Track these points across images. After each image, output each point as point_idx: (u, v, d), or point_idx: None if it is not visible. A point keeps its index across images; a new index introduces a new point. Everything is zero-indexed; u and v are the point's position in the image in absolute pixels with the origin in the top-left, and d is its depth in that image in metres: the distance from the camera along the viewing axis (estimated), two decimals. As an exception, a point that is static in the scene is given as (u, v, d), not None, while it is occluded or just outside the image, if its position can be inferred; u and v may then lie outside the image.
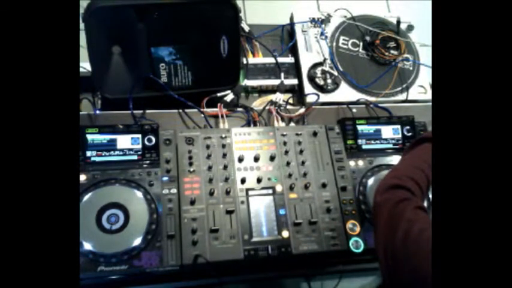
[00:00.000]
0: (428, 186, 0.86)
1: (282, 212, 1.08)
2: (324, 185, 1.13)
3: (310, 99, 1.37)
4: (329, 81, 1.41)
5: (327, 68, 1.41)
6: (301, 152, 1.17)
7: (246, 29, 1.49)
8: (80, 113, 1.20)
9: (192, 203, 1.05)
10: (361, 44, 1.50)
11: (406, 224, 0.75)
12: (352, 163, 1.19)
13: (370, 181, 1.15)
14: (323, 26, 1.49)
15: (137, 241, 0.98)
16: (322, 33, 1.48)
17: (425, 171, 0.86)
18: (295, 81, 1.43)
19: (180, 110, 1.26)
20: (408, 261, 0.72)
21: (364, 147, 1.22)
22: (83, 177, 1.04)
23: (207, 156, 1.12)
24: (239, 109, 1.31)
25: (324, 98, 1.38)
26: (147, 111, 1.23)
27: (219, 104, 1.27)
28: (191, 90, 1.27)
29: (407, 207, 0.78)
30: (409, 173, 0.85)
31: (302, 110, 1.31)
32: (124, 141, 1.11)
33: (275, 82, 1.41)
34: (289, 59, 1.47)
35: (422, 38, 1.55)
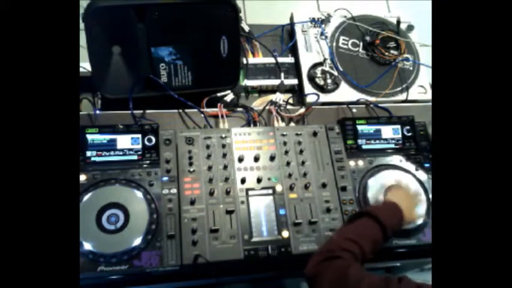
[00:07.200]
0: (364, 257, 0.86)
1: (282, 212, 1.08)
2: (324, 185, 1.13)
3: (310, 99, 1.37)
4: (329, 81, 1.41)
5: (327, 68, 1.41)
6: (301, 152, 1.17)
7: (246, 29, 1.49)
8: (80, 113, 1.20)
9: (192, 203, 1.05)
10: (361, 44, 1.50)
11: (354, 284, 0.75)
12: (352, 163, 1.19)
13: (370, 181, 1.15)
14: (323, 26, 1.49)
15: (137, 241, 0.98)
16: (322, 33, 1.48)
17: (360, 244, 0.85)
18: (295, 81, 1.43)
19: (180, 110, 1.26)
20: None
21: (364, 147, 1.22)
22: (83, 177, 1.04)
23: (207, 156, 1.12)
24: (239, 109, 1.31)
25: (324, 98, 1.38)
26: (147, 111, 1.23)
27: (219, 104, 1.27)
28: (191, 90, 1.27)
29: (350, 270, 0.77)
30: (343, 245, 0.84)
31: (302, 110, 1.31)
32: (124, 141, 1.11)
33: (275, 82, 1.41)
34: (289, 59, 1.47)
35: (422, 38, 1.55)
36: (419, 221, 1.09)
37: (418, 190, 1.13)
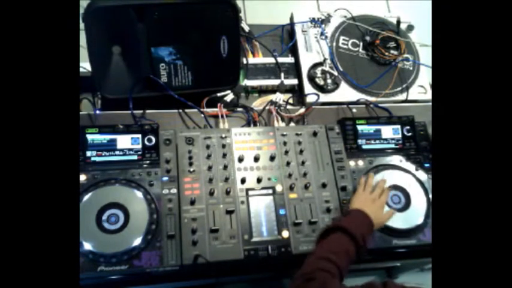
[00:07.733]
0: (341, 274, 0.87)
1: (282, 212, 1.08)
2: (324, 185, 1.13)
3: (310, 99, 1.37)
4: (329, 81, 1.41)
5: (327, 68, 1.41)
6: (301, 152, 1.17)
7: (246, 29, 1.49)
8: (80, 113, 1.20)
9: (192, 203, 1.05)
10: (361, 44, 1.50)
11: None
12: (352, 163, 1.19)
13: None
14: (323, 26, 1.49)
15: (137, 241, 0.98)
16: (322, 33, 1.48)
17: (335, 261, 0.86)
18: (295, 81, 1.43)
19: (180, 110, 1.26)
20: None
21: (364, 147, 1.22)
22: (83, 177, 1.04)
23: (207, 156, 1.12)
24: (239, 109, 1.31)
25: (324, 98, 1.39)
26: (147, 111, 1.23)
27: (219, 104, 1.27)
28: (191, 90, 1.27)
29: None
30: (319, 265, 0.85)
31: (302, 110, 1.31)
32: (124, 141, 1.11)
33: (275, 82, 1.42)
34: (289, 59, 1.47)
35: (422, 38, 1.55)
36: (394, 217, 1.07)
37: (380, 184, 1.09)
